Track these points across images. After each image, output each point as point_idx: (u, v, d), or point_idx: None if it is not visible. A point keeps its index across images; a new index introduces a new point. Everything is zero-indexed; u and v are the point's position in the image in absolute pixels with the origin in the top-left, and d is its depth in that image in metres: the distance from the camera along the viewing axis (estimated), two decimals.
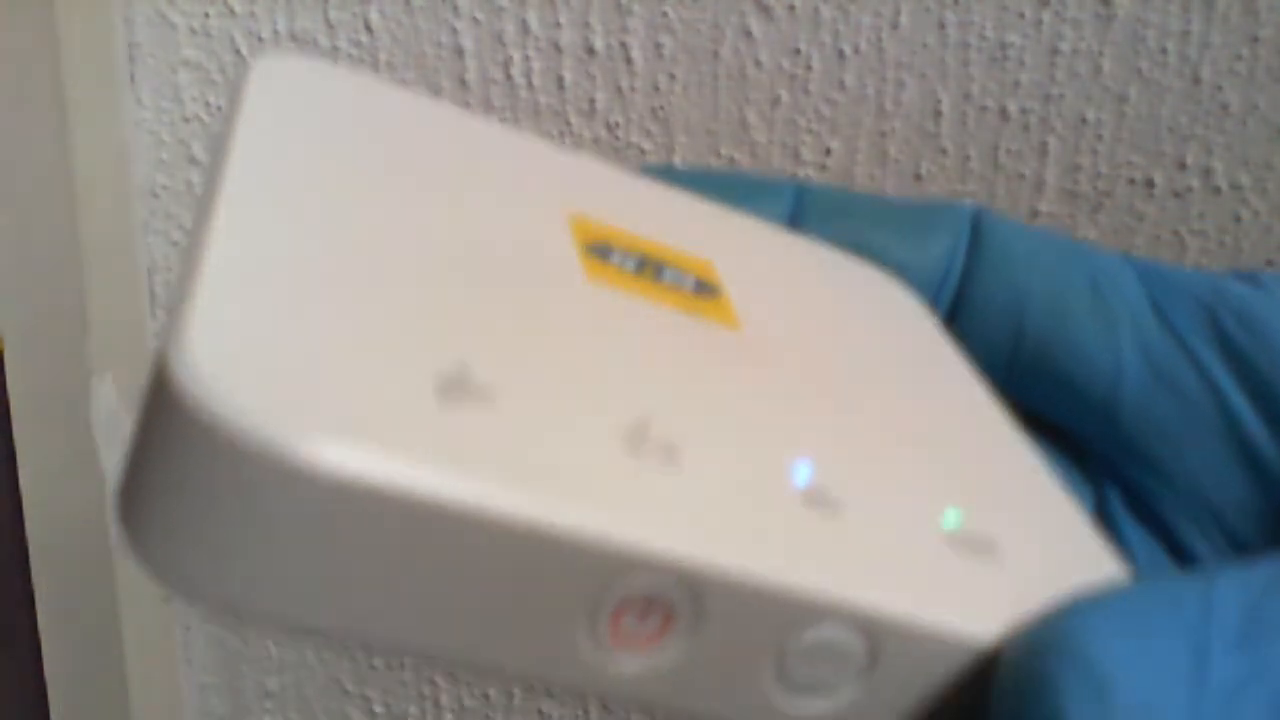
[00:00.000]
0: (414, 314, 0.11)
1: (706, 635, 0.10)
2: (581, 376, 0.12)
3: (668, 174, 0.18)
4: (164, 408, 0.09)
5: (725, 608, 0.10)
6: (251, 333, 0.10)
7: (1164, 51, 0.40)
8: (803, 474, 0.12)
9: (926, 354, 0.16)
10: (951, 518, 0.12)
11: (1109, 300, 0.17)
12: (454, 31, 0.42)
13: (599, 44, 0.42)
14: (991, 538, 0.12)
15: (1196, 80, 0.40)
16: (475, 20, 0.42)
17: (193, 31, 0.44)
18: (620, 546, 0.10)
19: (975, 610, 0.11)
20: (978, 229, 0.18)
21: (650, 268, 0.14)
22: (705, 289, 0.15)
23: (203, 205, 0.12)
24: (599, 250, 0.14)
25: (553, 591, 0.10)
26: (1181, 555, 0.17)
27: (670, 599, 0.10)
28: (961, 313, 0.17)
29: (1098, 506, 0.17)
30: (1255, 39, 0.40)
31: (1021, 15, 0.40)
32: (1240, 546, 0.16)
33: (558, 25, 0.42)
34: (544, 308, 0.13)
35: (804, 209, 0.18)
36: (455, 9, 0.42)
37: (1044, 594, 0.11)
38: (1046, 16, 0.40)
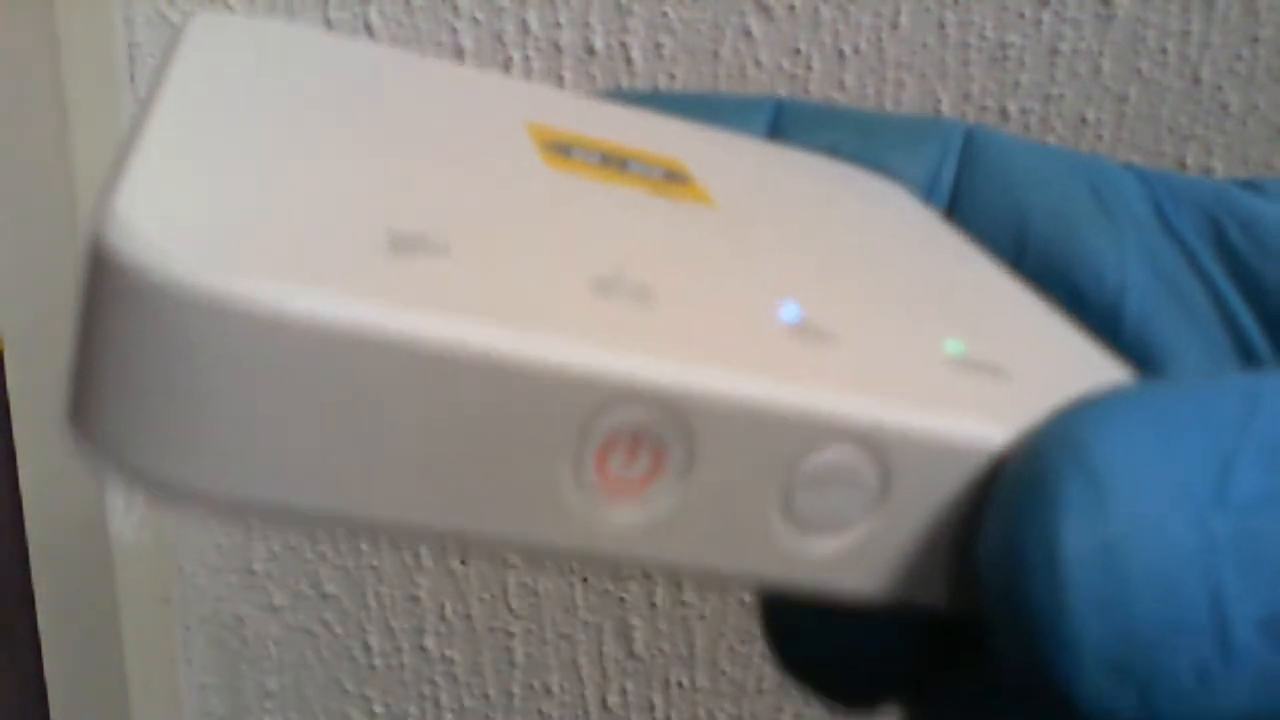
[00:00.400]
0: (364, 181, 0.11)
1: (701, 473, 0.10)
2: (546, 236, 0.11)
3: (635, 98, 0.17)
4: (100, 274, 0.08)
5: (718, 438, 0.09)
6: (190, 194, 0.09)
7: (1164, 51, 0.40)
8: (790, 311, 0.11)
9: (923, 229, 0.15)
10: (953, 346, 0.11)
11: (1113, 208, 0.16)
12: (454, 31, 0.42)
13: (599, 44, 0.42)
14: (998, 363, 0.11)
15: (1196, 80, 0.40)
16: (475, 20, 0.42)
17: None
18: (597, 375, 0.09)
19: (988, 419, 0.10)
20: (970, 141, 0.17)
21: (614, 163, 0.13)
22: (675, 177, 0.14)
23: (133, 125, 0.11)
24: (559, 148, 0.13)
25: (530, 435, 0.09)
26: None
27: (658, 433, 0.09)
28: (956, 219, 0.17)
29: None
30: (1255, 39, 0.40)
31: (1021, 15, 0.40)
32: None
33: (558, 25, 0.42)
34: (503, 183, 0.12)
35: (783, 123, 0.17)
36: (455, 9, 0.42)
37: (1060, 400, 0.10)
38: (1046, 16, 0.40)
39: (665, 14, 0.41)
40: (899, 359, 0.11)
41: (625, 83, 0.42)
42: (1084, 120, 0.41)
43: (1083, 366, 0.13)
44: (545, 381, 0.09)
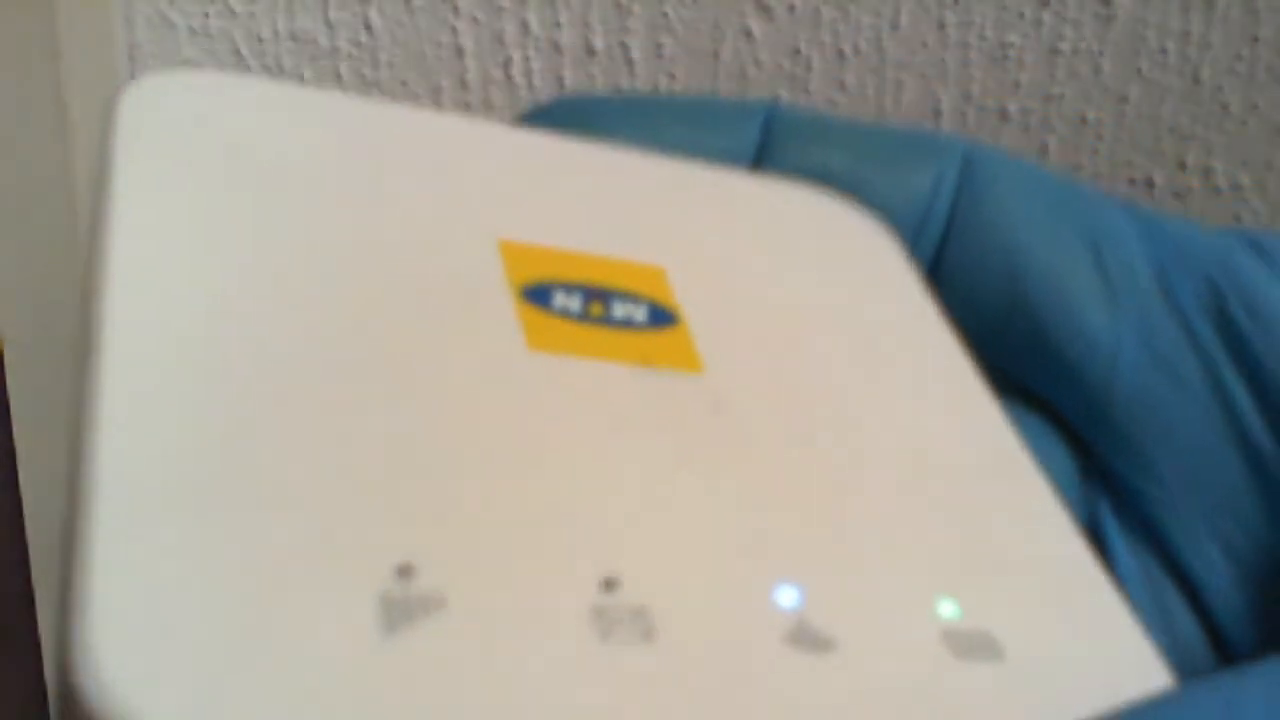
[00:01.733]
0: (344, 514, 0.10)
1: None
2: (540, 551, 0.10)
3: (630, 103, 0.16)
4: (74, 714, 0.08)
5: None
6: (163, 619, 0.08)
7: (1164, 51, 0.40)
8: (788, 596, 0.11)
9: (910, 351, 0.15)
10: (947, 608, 0.11)
11: (1112, 274, 0.15)
12: (454, 31, 0.42)
13: (599, 44, 0.42)
14: (992, 634, 0.11)
15: (1196, 80, 0.40)
16: (475, 20, 0.42)
17: (193, 32, 0.44)
18: None
19: None
20: (969, 167, 0.16)
21: (597, 301, 0.13)
22: (661, 318, 0.13)
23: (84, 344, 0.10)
24: (536, 294, 0.12)
25: None
26: (1169, 560, 0.16)
27: None
28: (946, 265, 0.16)
29: (1084, 497, 0.16)
30: (1255, 39, 0.40)
31: (1021, 15, 0.40)
32: (1237, 557, 0.15)
33: (558, 25, 0.42)
34: (489, 419, 0.11)
35: (773, 136, 0.16)
36: (455, 9, 0.42)
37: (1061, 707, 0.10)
38: (1046, 16, 0.40)
39: (665, 14, 0.41)
40: (893, 651, 0.11)
41: (625, 83, 0.42)
42: (1084, 120, 0.41)
43: (1076, 631, 0.12)
44: None
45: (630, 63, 0.42)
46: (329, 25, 0.43)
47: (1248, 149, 0.41)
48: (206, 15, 0.43)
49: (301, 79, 0.44)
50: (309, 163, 0.13)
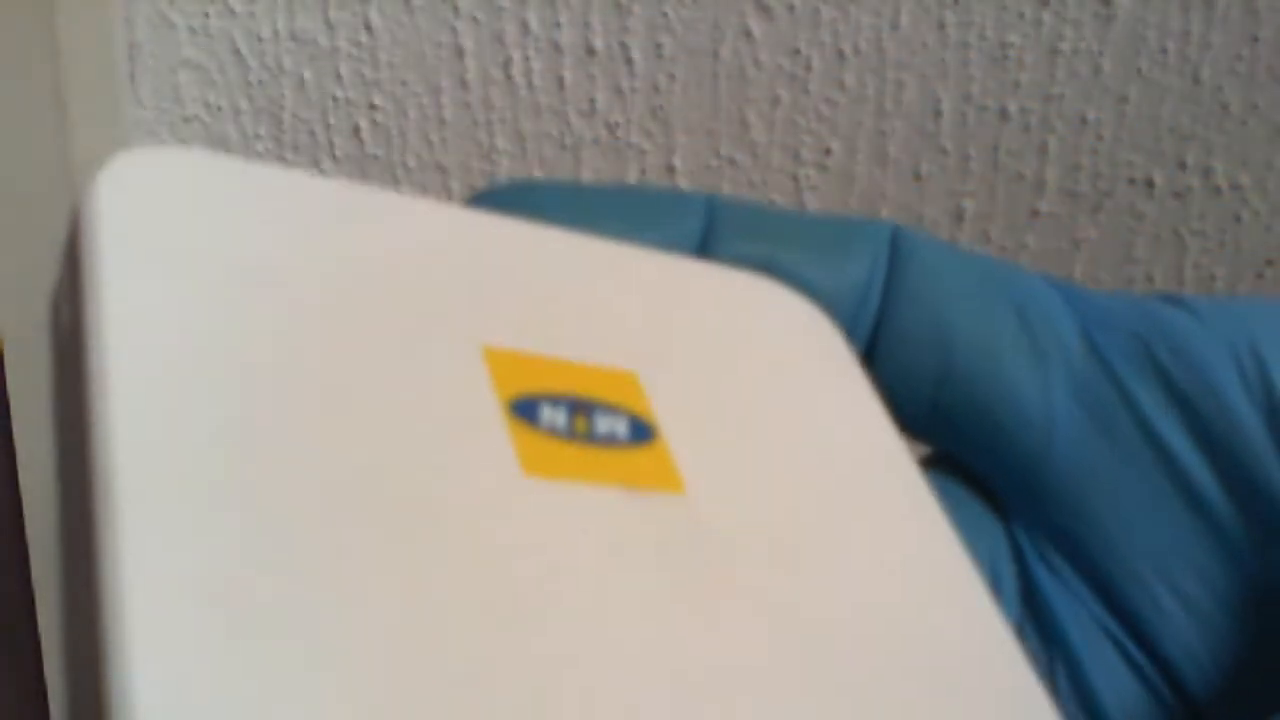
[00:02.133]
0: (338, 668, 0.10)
1: None
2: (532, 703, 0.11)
3: (573, 192, 0.16)
4: None
5: None
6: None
7: (1164, 51, 0.40)
8: None
9: (860, 459, 0.15)
10: None
11: (1039, 335, 0.16)
12: (454, 31, 0.42)
13: (599, 44, 0.42)
14: None
15: (1196, 80, 0.40)
16: (475, 20, 0.42)
17: (193, 31, 0.44)
18: None
19: None
20: (897, 250, 0.16)
21: (582, 415, 0.13)
22: (640, 433, 0.14)
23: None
24: (524, 408, 0.13)
25: None
26: (1123, 613, 0.16)
27: None
28: (882, 344, 0.16)
29: (1016, 561, 0.16)
30: (1255, 39, 0.40)
31: (1021, 15, 0.40)
32: (1186, 602, 0.15)
33: (558, 25, 0.42)
34: (484, 559, 0.11)
35: (715, 228, 0.16)
36: (455, 9, 0.42)
37: None
38: (1046, 16, 0.40)
39: (665, 14, 0.41)
40: None
41: (625, 83, 0.42)
42: (1084, 120, 0.41)
43: None
44: None
45: (630, 63, 0.42)
46: (329, 25, 0.43)
47: (1248, 149, 0.41)
48: (206, 15, 0.43)
49: (301, 79, 0.44)
50: (283, 262, 0.13)
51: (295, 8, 0.43)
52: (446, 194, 0.45)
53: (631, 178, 0.43)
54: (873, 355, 0.16)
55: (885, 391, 0.16)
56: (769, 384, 0.15)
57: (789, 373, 0.16)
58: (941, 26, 0.40)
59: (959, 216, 0.43)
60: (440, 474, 0.12)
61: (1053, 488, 0.16)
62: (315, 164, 0.45)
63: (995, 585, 0.16)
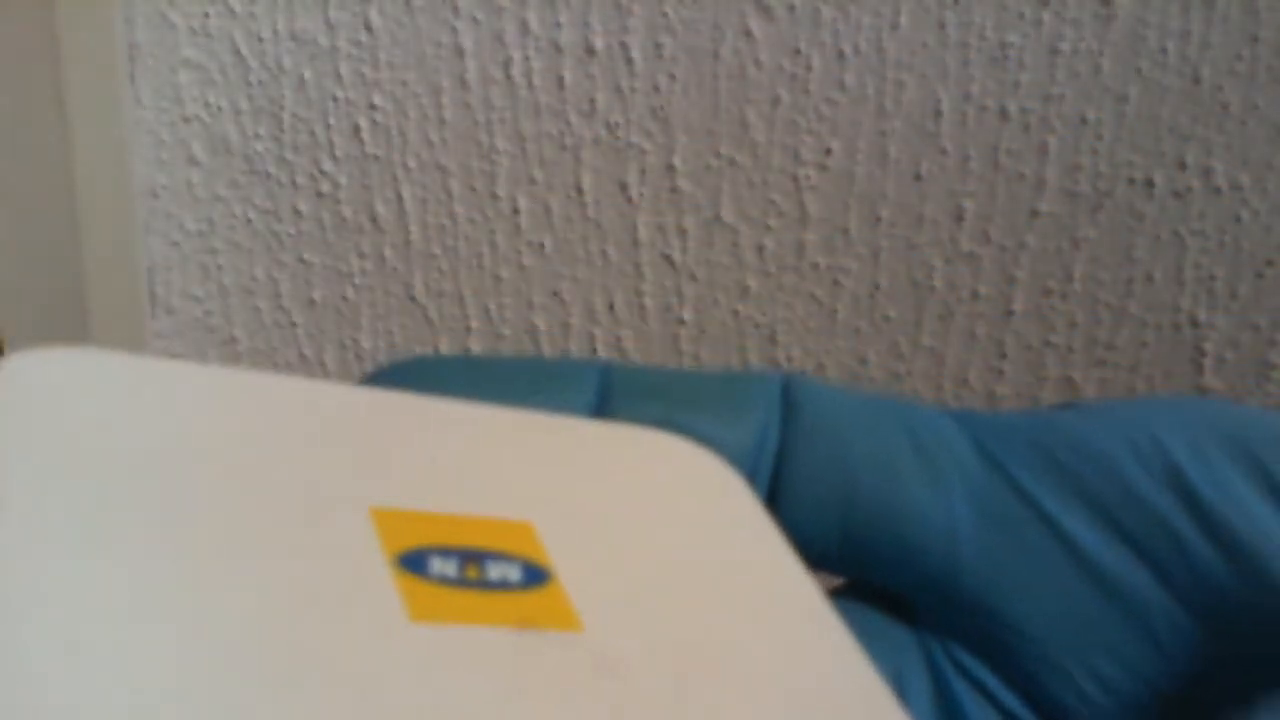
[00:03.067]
0: None
1: None
2: None
3: (469, 365, 0.17)
4: None
5: None
6: None
7: (1164, 51, 0.40)
8: None
9: (768, 595, 0.16)
10: None
11: (933, 454, 0.16)
12: (454, 31, 0.42)
13: (599, 44, 0.42)
14: None
15: (1196, 80, 0.40)
16: (475, 20, 0.42)
17: (193, 31, 0.44)
18: None
19: None
20: (789, 399, 0.17)
21: (473, 563, 0.13)
22: (534, 577, 0.14)
23: None
24: (412, 561, 0.13)
25: None
26: (1044, 704, 0.16)
27: None
28: (785, 483, 0.17)
29: (930, 669, 0.17)
30: (1255, 39, 0.40)
31: (1021, 15, 0.40)
32: (1112, 688, 0.16)
33: (558, 25, 0.42)
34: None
35: (610, 393, 0.17)
36: (455, 9, 0.42)
37: None
38: (1046, 16, 0.40)
39: (665, 14, 0.41)
40: None
41: (625, 83, 0.42)
42: (1084, 120, 0.41)
43: None
44: None
45: (630, 62, 0.42)
46: (329, 25, 0.43)
47: (1248, 149, 0.41)
48: (206, 15, 0.43)
49: (301, 79, 0.44)
50: (172, 448, 0.13)
51: (295, 8, 0.43)
52: (446, 194, 0.45)
53: (631, 178, 0.44)
54: (777, 499, 0.17)
55: (793, 531, 0.16)
56: (669, 528, 0.16)
57: (689, 517, 0.16)
58: (941, 26, 0.40)
59: (959, 216, 0.43)
60: (325, 626, 0.12)
61: (965, 594, 0.16)
62: (315, 164, 0.45)
63: (904, 695, 0.17)
